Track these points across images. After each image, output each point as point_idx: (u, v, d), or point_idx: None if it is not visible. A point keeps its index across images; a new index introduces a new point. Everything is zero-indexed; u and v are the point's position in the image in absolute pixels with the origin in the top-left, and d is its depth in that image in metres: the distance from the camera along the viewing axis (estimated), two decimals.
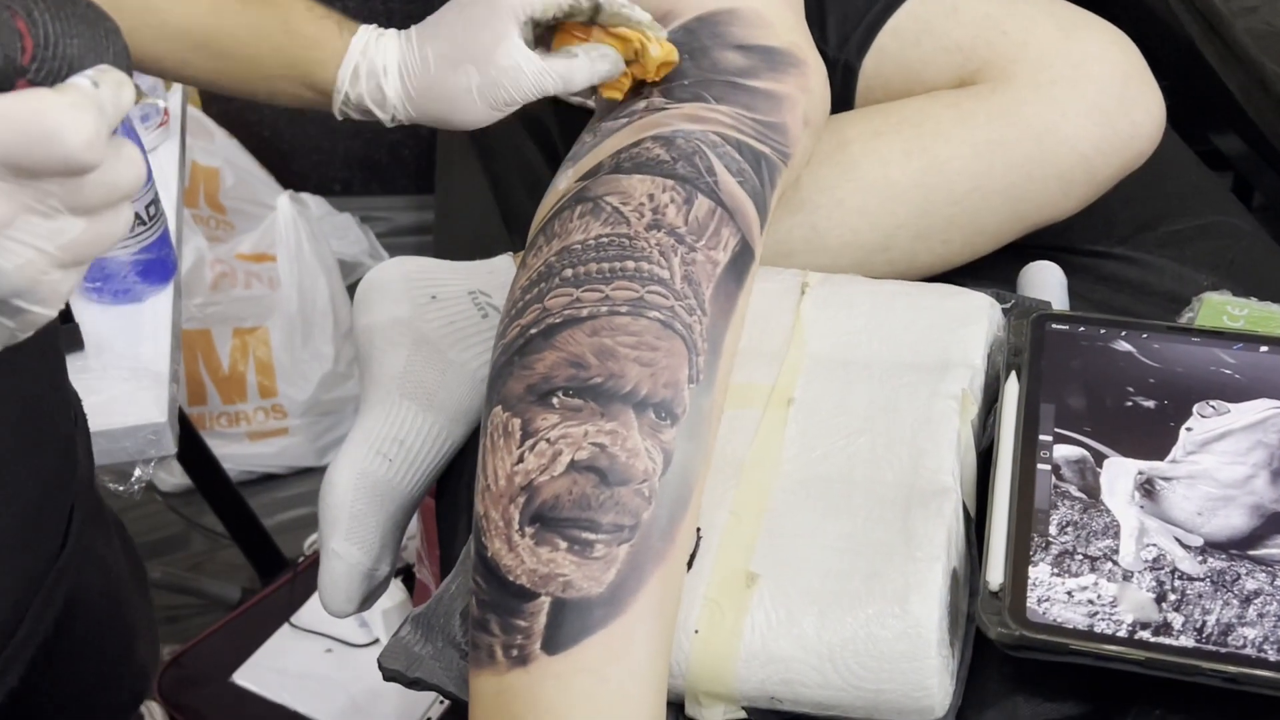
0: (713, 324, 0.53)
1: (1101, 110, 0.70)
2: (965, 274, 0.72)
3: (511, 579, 0.47)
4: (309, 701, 1.07)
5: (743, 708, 0.48)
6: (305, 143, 1.68)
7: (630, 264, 0.52)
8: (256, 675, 1.09)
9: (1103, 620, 0.45)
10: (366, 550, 0.62)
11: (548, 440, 0.49)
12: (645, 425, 0.49)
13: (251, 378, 1.43)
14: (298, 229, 1.43)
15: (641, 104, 0.60)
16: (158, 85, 0.97)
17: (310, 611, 1.13)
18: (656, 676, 0.47)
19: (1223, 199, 0.86)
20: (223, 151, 1.49)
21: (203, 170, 1.45)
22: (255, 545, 1.27)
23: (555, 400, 0.49)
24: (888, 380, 0.56)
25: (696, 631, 0.48)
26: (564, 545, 0.47)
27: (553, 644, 0.46)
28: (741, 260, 0.56)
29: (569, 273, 0.52)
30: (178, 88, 1.01)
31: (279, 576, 1.19)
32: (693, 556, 0.50)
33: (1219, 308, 0.64)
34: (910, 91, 0.76)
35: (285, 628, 1.12)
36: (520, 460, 0.49)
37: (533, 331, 0.51)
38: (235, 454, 1.42)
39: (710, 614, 0.48)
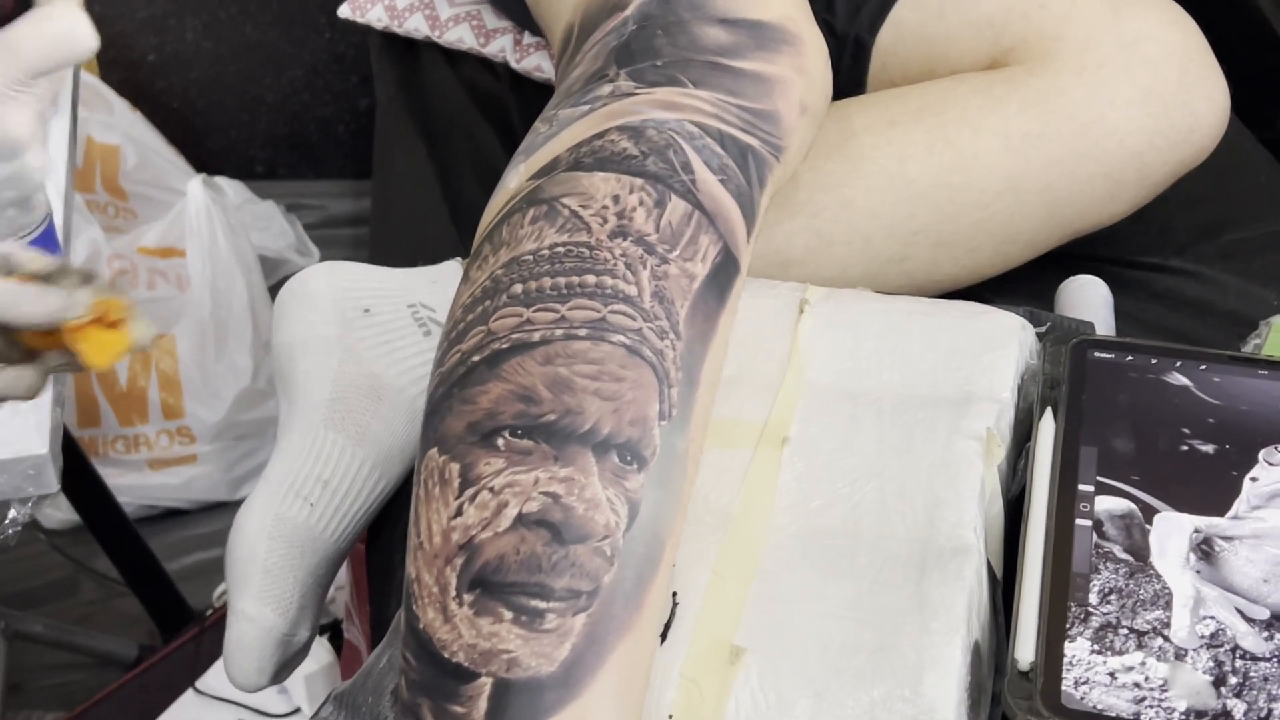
0: (688, 349, 0.54)
1: (1156, 98, 0.73)
2: (995, 289, 0.76)
3: (447, 656, 0.47)
4: None
5: None
6: (221, 117, 1.72)
7: (591, 279, 0.53)
8: None
9: (1151, 707, 0.46)
10: (282, 612, 0.63)
11: (491, 489, 0.49)
12: (607, 471, 0.50)
13: (154, 395, 1.45)
14: (211, 219, 1.45)
15: (607, 88, 0.61)
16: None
17: (218, 675, 1.17)
18: None
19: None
20: (124, 126, 1.52)
21: (99, 148, 1.48)
22: (156, 594, 1.30)
23: (501, 441, 0.50)
24: (900, 416, 0.57)
25: (670, 717, 0.49)
26: (509, 615, 0.48)
27: None
28: (723, 273, 0.57)
29: (518, 289, 0.53)
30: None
31: (183, 631, 1.24)
32: (667, 627, 0.51)
33: None
34: (932, 73, 0.80)
35: (189, 693, 1.17)
36: (458, 513, 0.50)
37: (475, 359, 0.52)
38: (133, 485, 1.45)
39: (687, 696, 0.49)
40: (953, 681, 0.47)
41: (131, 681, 1.22)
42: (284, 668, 0.64)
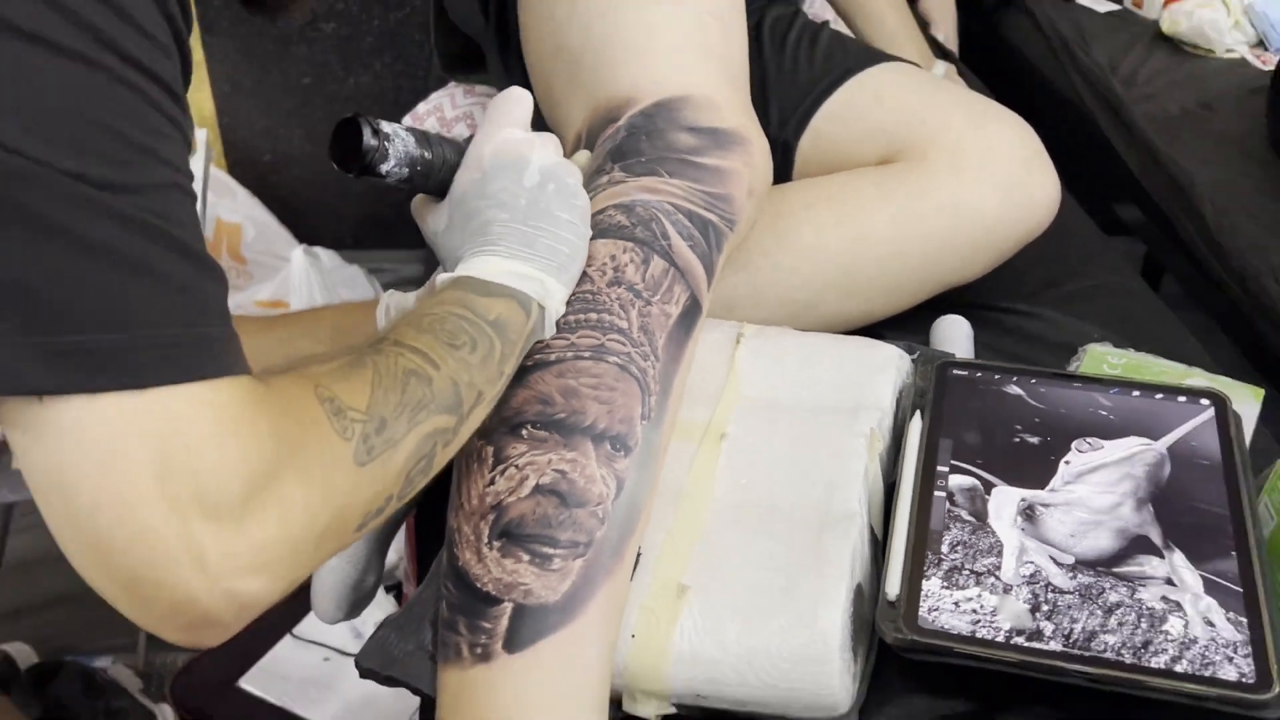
0: (664, 369, 0.55)
1: (1006, 189, 0.73)
2: (886, 326, 0.74)
3: (479, 586, 0.49)
4: (308, 706, 1.08)
5: (673, 704, 0.50)
6: (320, 202, 1.71)
7: (594, 315, 0.54)
8: (261, 681, 1.10)
9: (984, 627, 0.48)
10: (354, 563, 0.64)
11: (516, 466, 0.51)
12: (602, 455, 0.51)
13: None
14: (310, 279, 1.46)
15: (604, 178, 0.62)
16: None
17: (310, 623, 1.14)
18: (601, 675, 0.49)
19: (1117, 262, 0.89)
20: (244, 209, 1.52)
21: (226, 226, 1.48)
22: None
23: (524, 432, 0.51)
24: (808, 421, 0.58)
25: (634, 636, 0.50)
26: (526, 558, 0.49)
27: (513, 644, 0.48)
28: (691, 314, 0.58)
29: (546, 352, 0.54)
30: (202, 150, 1.02)
31: None
32: (634, 570, 0.52)
33: (1100, 357, 0.66)
34: (841, 167, 0.78)
35: (287, 638, 1.14)
36: (491, 483, 0.51)
37: None
38: None
39: (646, 620, 0.50)
40: (838, 613, 0.49)
41: (242, 630, 1.17)
42: (355, 606, 0.64)
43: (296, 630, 1.14)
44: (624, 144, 0.63)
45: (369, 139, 0.51)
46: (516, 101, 0.57)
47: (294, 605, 1.13)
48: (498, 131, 0.55)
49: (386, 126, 0.52)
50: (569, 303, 0.55)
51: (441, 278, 0.51)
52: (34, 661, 1.15)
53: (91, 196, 0.35)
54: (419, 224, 0.59)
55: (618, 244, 0.57)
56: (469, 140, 0.57)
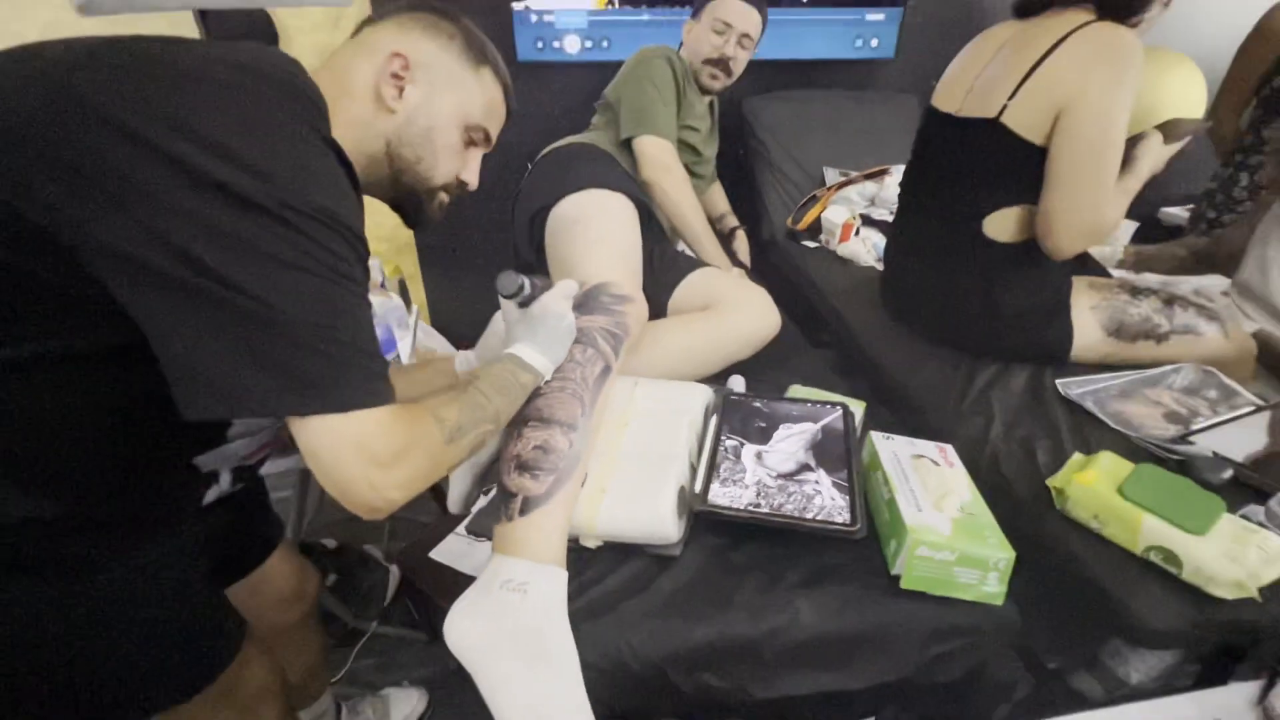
0: (592, 396, 0.97)
1: (756, 320, 1.22)
2: (706, 380, 1.22)
3: (509, 488, 0.88)
4: (463, 563, 1.42)
5: (600, 540, 0.95)
6: None
7: (559, 377, 0.95)
8: (442, 553, 1.45)
9: (735, 502, 0.94)
10: (463, 486, 1.04)
11: (524, 437, 0.91)
12: (561, 432, 0.92)
13: None
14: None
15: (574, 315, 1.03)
16: (402, 312, 1.39)
17: (462, 526, 1.50)
18: (564, 526, 0.87)
19: (813, 354, 1.41)
20: (441, 348, 1.70)
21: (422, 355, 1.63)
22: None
23: (529, 422, 0.92)
24: (664, 416, 1.05)
25: (582, 509, 0.93)
26: (528, 475, 0.88)
27: (524, 513, 0.87)
28: (605, 373, 0.99)
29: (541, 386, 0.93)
30: (415, 309, 1.42)
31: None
32: (584, 483, 0.96)
33: (798, 390, 1.18)
34: (684, 311, 1.26)
35: (452, 535, 1.50)
36: (514, 444, 0.91)
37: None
38: None
39: (586, 502, 0.92)
40: (670, 498, 0.91)
41: (433, 524, 1.48)
42: (466, 505, 0.99)
43: (457, 529, 1.50)
44: (582, 300, 1.05)
45: (527, 288, 0.94)
46: (565, 283, 1.00)
47: (453, 518, 1.52)
48: (551, 294, 0.96)
49: (526, 279, 0.96)
50: (556, 371, 0.95)
51: (508, 353, 0.89)
52: (334, 545, 1.57)
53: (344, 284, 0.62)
54: (504, 313, 1.00)
55: (575, 343, 0.99)
56: (543, 289, 0.99)
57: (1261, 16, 1.65)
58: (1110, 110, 1.07)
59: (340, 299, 0.61)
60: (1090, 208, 1.12)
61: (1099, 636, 0.94)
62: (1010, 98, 1.16)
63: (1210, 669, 0.92)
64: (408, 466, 0.64)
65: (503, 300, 0.98)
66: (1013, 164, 1.17)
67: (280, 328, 0.57)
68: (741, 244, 1.85)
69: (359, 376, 0.61)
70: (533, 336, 0.90)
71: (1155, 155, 1.18)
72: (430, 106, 0.79)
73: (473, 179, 0.85)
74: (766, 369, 1.28)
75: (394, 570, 1.54)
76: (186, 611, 0.76)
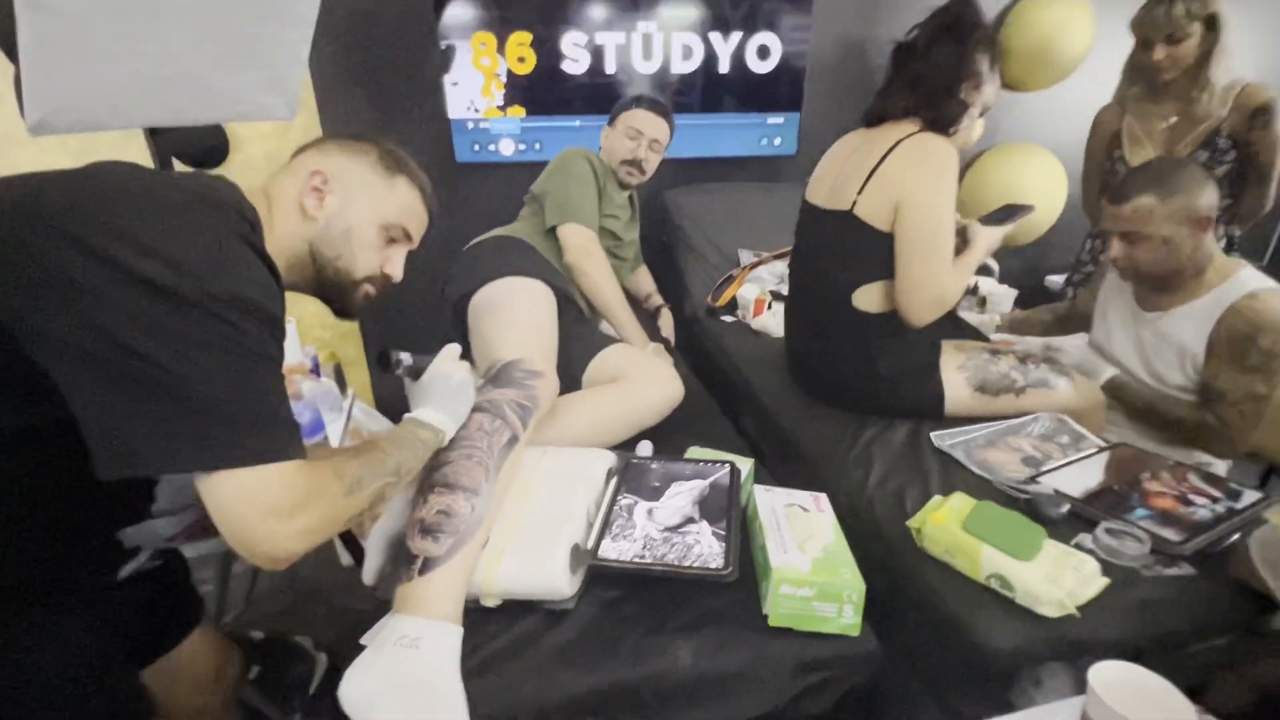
0: (496, 464, 1.07)
1: (662, 385, 1.35)
2: (619, 446, 1.34)
3: (412, 550, 0.96)
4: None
5: (499, 599, 1.04)
6: None
7: (466, 443, 1.06)
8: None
9: (623, 555, 1.05)
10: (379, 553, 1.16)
11: (428, 502, 1.00)
12: (464, 498, 1.01)
13: None
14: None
15: (485, 387, 1.16)
16: (335, 396, 1.47)
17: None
18: (462, 584, 0.95)
19: (722, 420, 1.55)
20: (383, 428, 1.71)
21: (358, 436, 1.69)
22: None
23: (434, 489, 1.02)
24: (567, 480, 1.15)
25: (484, 568, 1.03)
26: (430, 539, 0.96)
27: (422, 574, 0.93)
28: (511, 443, 1.11)
29: (449, 455, 1.05)
30: (351, 393, 1.50)
31: None
32: (486, 545, 1.06)
33: (694, 451, 1.30)
34: (596, 384, 1.38)
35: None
36: (419, 508, 1.00)
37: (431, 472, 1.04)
38: None
39: (488, 561, 1.02)
40: (562, 558, 1.00)
41: None
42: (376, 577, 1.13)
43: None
44: (495, 375, 1.18)
45: (405, 360, 1.08)
46: (449, 347, 1.12)
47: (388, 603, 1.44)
48: (438, 358, 1.09)
49: (395, 353, 1.11)
50: (457, 434, 1.07)
51: (407, 416, 1.02)
52: (260, 637, 1.53)
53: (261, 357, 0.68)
54: (407, 390, 1.13)
55: (484, 414, 1.11)
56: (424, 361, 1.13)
57: (1096, 113, 1.95)
58: (934, 203, 1.25)
59: (250, 372, 0.67)
60: (933, 282, 1.29)
61: (952, 662, 1.03)
62: (859, 193, 1.34)
63: None
64: (307, 517, 0.69)
65: (404, 378, 1.10)
66: (868, 247, 1.34)
67: (192, 397, 0.64)
68: (666, 320, 2.01)
69: (261, 436, 0.67)
70: (428, 399, 1.00)
71: (987, 236, 1.35)
72: (347, 211, 0.89)
73: (396, 272, 0.95)
74: (673, 434, 1.40)
75: (321, 659, 1.56)
76: (94, 689, 0.78)
